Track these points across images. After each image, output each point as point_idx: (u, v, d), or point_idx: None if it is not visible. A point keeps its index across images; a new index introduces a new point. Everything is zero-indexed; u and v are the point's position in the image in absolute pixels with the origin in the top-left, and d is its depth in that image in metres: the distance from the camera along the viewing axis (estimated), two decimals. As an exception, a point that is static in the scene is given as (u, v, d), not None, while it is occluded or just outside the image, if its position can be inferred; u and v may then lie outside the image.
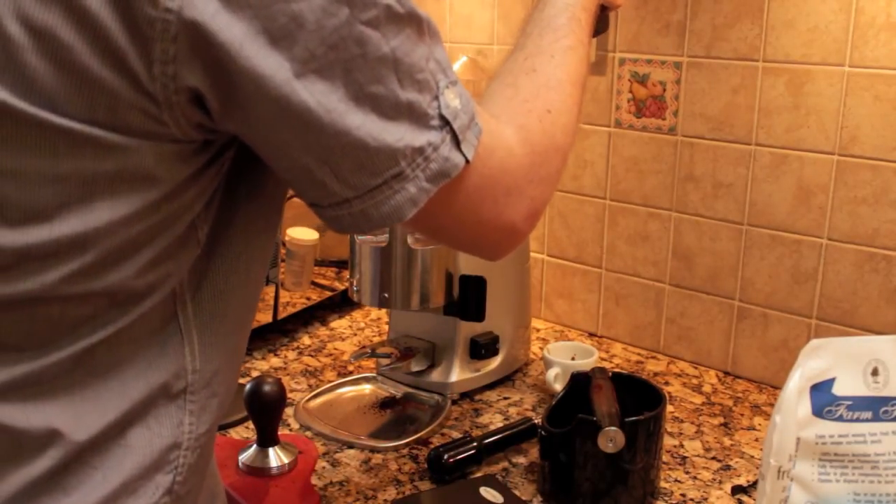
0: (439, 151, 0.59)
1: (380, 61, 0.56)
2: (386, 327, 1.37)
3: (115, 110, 0.52)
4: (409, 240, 1.13)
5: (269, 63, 0.52)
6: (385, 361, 1.21)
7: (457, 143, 0.60)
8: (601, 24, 0.91)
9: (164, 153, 0.54)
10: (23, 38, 0.49)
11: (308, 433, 1.12)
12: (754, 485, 1.01)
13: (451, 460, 1.01)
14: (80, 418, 0.58)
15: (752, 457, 1.09)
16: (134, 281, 0.57)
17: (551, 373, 1.20)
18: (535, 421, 1.10)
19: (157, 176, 0.55)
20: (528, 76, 0.75)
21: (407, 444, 1.09)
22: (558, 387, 1.15)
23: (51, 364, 0.56)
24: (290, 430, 1.13)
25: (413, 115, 0.58)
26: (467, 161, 0.61)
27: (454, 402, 1.20)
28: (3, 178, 0.52)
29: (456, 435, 1.11)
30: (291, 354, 1.36)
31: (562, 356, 1.23)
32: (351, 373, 1.29)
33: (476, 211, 0.66)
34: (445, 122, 0.60)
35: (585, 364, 1.19)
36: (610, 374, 1.03)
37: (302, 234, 1.47)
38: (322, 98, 0.54)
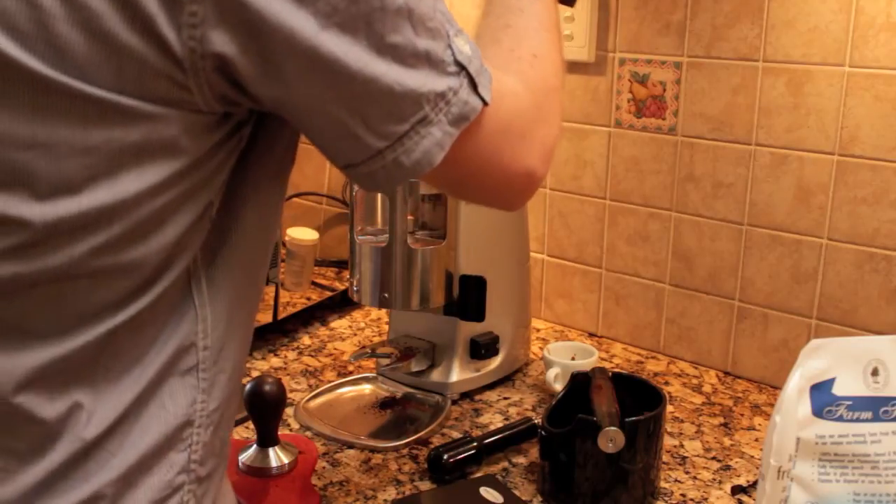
0: (459, 95, 0.61)
1: (397, 13, 0.57)
2: (386, 327, 1.37)
3: (142, 79, 0.52)
4: (409, 240, 1.13)
5: (295, 18, 0.53)
6: (385, 361, 1.21)
7: (474, 86, 0.62)
8: None
9: (189, 122, 0.55)
10: (56, 7, 0.50)
11: (308, 433, 1.12)
12: (754, 485, 1.01)
13: (451, 460, 1.01)
14: (101, 403, 0.58)
15: (752, 457, 1.09)
16: (157, 255, 0.58)
17: (551, 373, 1.20)
18: (535, 421, 1.10)
19: (182, 146, 0.56)
20: (505, 31, 0.78)
21: (407, 444, 1.09)
22: (558, 387, 1.15)
23: (76, 349, 0.57)
24: (290, 430, 1.13)
25: (431, 62, 0.60)
26: (485, 103, 0.63)
27: (454, 402, 1.20)
28: (35, 150, 0.52)
29: (456, 435, 1.11)
30: (291, 354, 1.36)
31: (562, 356, 1.23)
32: (351, 373, 1.29)
33: (497, 155, 0.68)
34: (461, 67, 0.61)
35: (585, 364, 1.19)
36: (610, 374, 1.03)
37: (302, 234, 1.47)
38: (348, 49, 0.56)
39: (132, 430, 0.60)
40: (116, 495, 0.59)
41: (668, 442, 1.11)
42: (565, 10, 1.38)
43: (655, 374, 1.32)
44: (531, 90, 0.71)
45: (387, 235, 1.12)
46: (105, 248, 0.55)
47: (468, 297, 1.16)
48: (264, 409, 1.00)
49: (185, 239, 0.60)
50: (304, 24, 0.54)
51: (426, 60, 0.59)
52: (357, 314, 1.53)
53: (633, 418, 0.93)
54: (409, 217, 1.15)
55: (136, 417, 0.60)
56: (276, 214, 0.71)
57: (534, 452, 1.05)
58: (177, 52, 0.52)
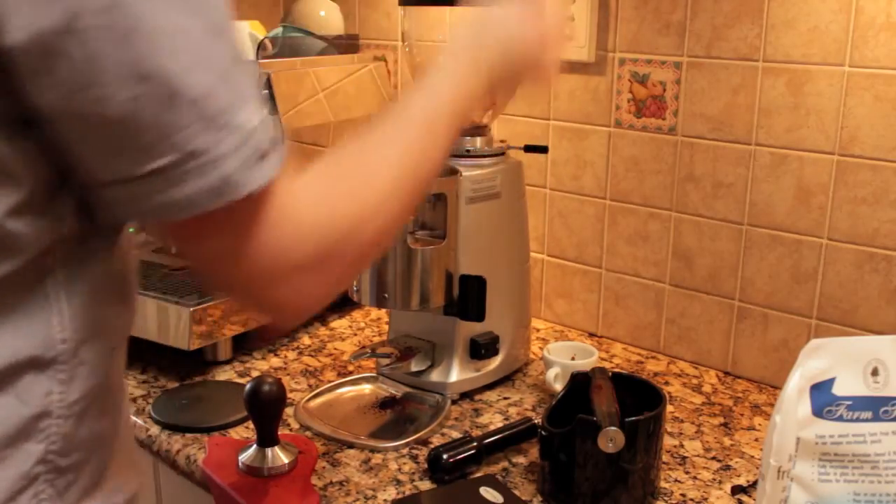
0: (227, 162, 0.56)
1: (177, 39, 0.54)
2: (386, 327, 1.36)
3: None
4: (409, 240, 1.13)
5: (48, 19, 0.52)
6: (385, 361, 1.21)
7: (248, 163, 0.58)
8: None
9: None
10: None
11: (308, 433, 1.12)
12: (754, 485, 1.01)
13: (451, 460, 1.01)
14: None
15: (752, 457, 1.09)
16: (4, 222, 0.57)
17: (551, 373, 1.20)
18: (535, 421, 1.10)
19: (17, 174, 0.56)
20: (372, 144, 0.71)
21: (407, 444, 1.09)
22: (558, 387, 1.15)
23: None
24: (290, 430, 1.13)
25: (201, 112, 0.56)
26: (257, 189, 0.58)
27: (454, 402, 1.20)
28: None
29: (456, 435, 1.11)
30: (291, 354, 1.36)
31: (562, 356, 1.23)
32: (351, 373, 1.29)
33: (240, 265, 0.61)
34: (242, 136, 0.57)
35: (585, 364, 1.19)
36: (610, 374, 1.03)
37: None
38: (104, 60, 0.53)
39: None
40: None
41: (668, 442, 1.11)
42: (565, 11, 1.38)
43: (655, 374, 1.32)
44: (330, 230, 0.64)
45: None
46: None
47: (468, 297, 1.16)
48: (264, 409, 1.00)
49: (35, 219, 0.58)
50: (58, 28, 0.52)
51: (195, 106, 0.55)
52: (357, 314, 1.53)
53: (633, 418, 0.93)
54: (410, 217, 1.15)
55: None
56: None
57: (534, 452, 1.05)
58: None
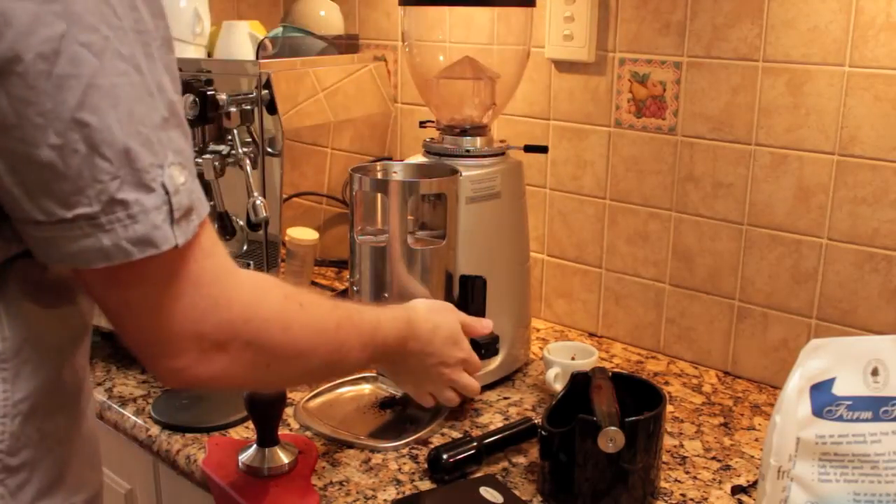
0: (149, 216, 0.58)
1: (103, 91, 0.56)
2: (386, 327, 1.36)
3: None
4: (409, 240, 1.13)
5: None
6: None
7: (171, 220, 0.59)
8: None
9: None
10: None
11: (308, 433, 1.12)
12: (754, 485, 1.01)
13: (451, 460, 1.01)
14: None
15: (752, 457, 1.09)
16: None
17: (551, 373, 1.20)
18: (535, 421, 1.10)
19: None
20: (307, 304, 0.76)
21: (407, 444, 1.09)
22: (558, 387, 1.15)
23: None
24: (291, 430, 1.13)
25: (134, 165, 0.57)
26: (182, 244, 0.60)
27: (454, 402, 1.20)
28: None
29: (456, 435, 1.11)
30: (291, 354, 1.36)
31: (562, 356, 1.23)
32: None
33: (160, 321, 0.63)
34: (165, 193, 0.59)
35: (585, 364, 1.19)
36: (610, 374, 1.03)
37: (302, 234, 1.47)
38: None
39: None
40: None
41: (668, 442, 1.11)
42: (565, 11, 1.39)
43: (655, 374, 1.32)
44: (252, 314, 0.68)
45: (386, 235, 1.12)
46: None
47: (468, 297, 1.16)
48: (264, 409, 1.00)
49: None
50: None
51: (123, 158, 0.57)
52: (357, 314, 1.53)
53: (633, 418, 0.93)
54: (409, 217, 1.15)
55: None
56: None
57: (534, 452, 1.05)
58: None
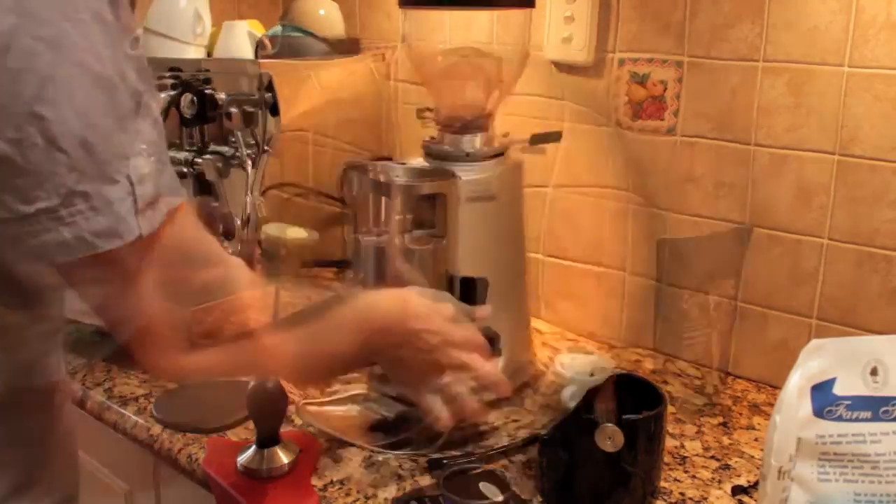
0: (113, 208, 0.58)
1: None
2: (386, 327, 1.36)
3: None
4: (409, 240, 1.13)
5: None
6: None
7: (135, 210, 0.59)
8: None
9: None
10: None
11: (311, 429, 1.11)
12: (755, 485, 1.01)
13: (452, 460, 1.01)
14: None
15: (752, 457, 1.09)
16: None
17: (567, 391, 1.12)
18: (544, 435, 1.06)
19: None
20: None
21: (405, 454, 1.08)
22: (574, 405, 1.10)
23: None
24: (294, 426, 1.13)
25: (94, 158, 0.57)
26: (146, 234, 0.60)
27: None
28: None
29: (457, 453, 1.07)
30: (291, 354, 1.36)
31: (578, 370, 1.18)
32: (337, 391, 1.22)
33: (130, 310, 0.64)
34: (130, 184, 0.59)
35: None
36: (614, 376, 1.03)
37: (299, 233, 1.46)
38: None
39: None
40: None
41: (668, 442, 1.11)
42: (565, 11, 1.39)
43: (654, 374, 1.32)
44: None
45: (387, 235, 1.12)
46: None
47: (468, 299, 1.16)
48: (264, 409, 1.00)
49: None
50: None
51: (81, 151, 0.56)
52: (357, 314, 1.52)
53: (631, 416, 0.93)
54: (409, 217, 1.15)
55: None
56: None
57: (533, 451, 1.05)
58: None
